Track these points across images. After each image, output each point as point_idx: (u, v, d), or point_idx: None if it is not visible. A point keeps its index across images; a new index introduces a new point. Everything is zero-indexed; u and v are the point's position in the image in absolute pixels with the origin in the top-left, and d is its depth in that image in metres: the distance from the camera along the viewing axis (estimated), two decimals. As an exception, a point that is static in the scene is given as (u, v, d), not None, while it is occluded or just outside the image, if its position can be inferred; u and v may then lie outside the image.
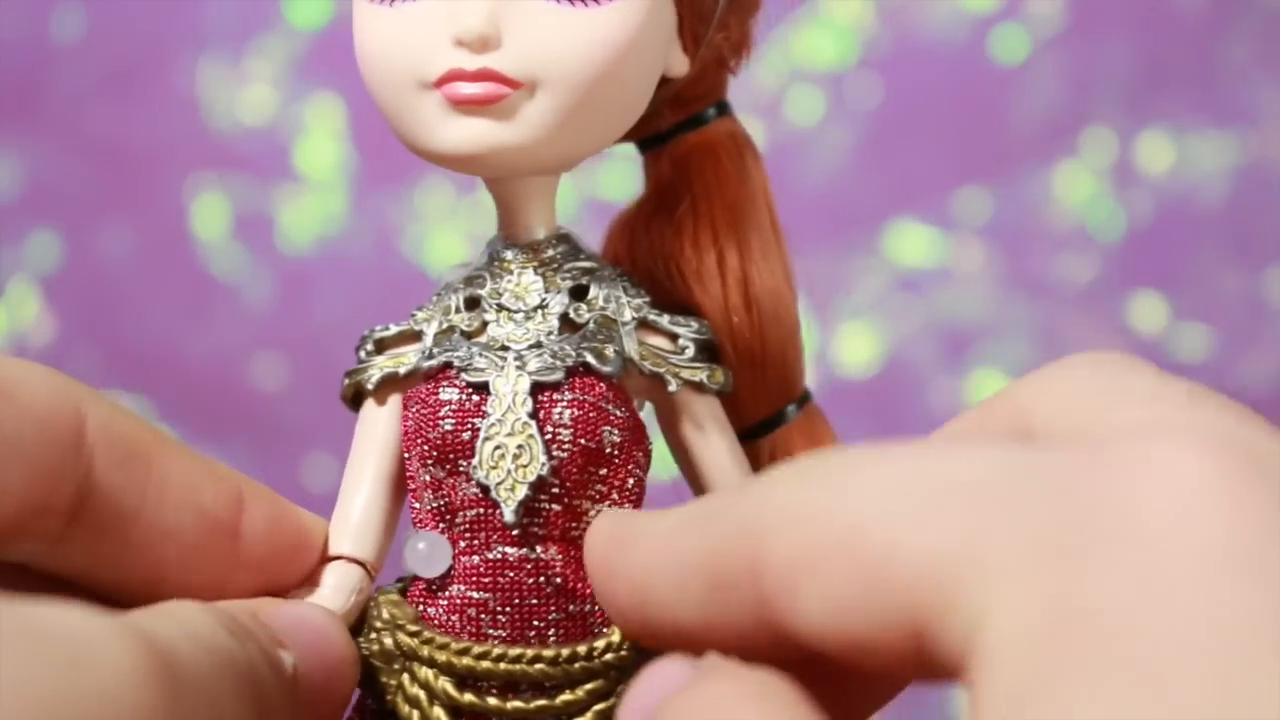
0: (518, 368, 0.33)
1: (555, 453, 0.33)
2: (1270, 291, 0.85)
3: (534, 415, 0.33)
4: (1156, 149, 0.86)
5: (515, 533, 0.33)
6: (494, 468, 0.33)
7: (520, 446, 0.33)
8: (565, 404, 0.33)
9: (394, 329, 0.36)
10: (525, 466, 0.33)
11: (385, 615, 0.34)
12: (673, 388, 0.34)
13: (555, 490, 0.33)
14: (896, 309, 0.86)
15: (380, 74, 0.33)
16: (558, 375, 0.33)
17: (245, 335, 0.91)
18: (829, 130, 0.85)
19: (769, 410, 0.36)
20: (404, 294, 0.92)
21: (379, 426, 0.35)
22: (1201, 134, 0.86)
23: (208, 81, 0.91)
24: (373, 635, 0.34)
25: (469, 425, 0.33)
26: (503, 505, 0.33)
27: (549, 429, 0.33)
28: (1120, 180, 0.86)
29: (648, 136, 0.36)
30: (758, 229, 0.36)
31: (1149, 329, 0.86)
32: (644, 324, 0.35)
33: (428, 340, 0.35)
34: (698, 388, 0.35)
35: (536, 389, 0.33)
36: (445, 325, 0.35)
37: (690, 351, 0.35)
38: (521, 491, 0.33)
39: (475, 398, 0.34)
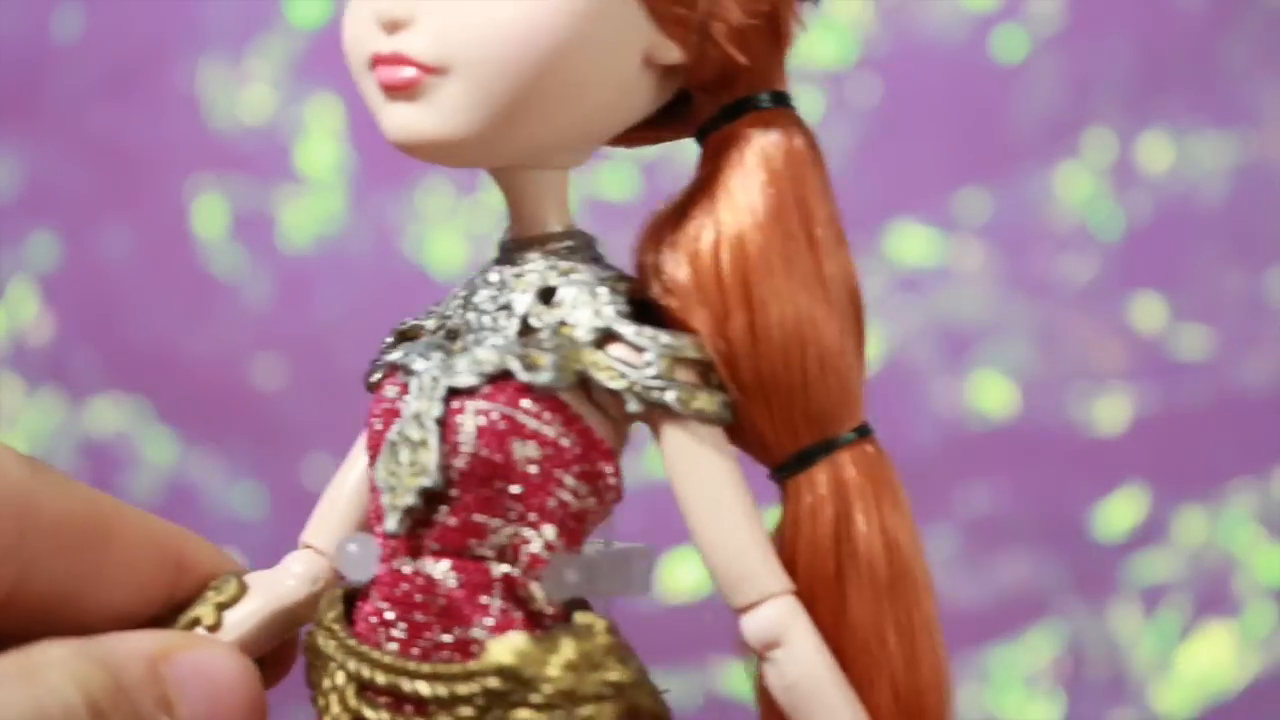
0: (441, 369, 0.31)
1: (453, 463, 0.30)
2: (1270, 291, 0.85)
3: (440, 421, 0.31)
4: (1156, 149, 0.86)
5: (408, 544, 0.31)
6: (391, 473, 0.31)
7: (415, 453, 0.31)
8: (473, 412, 0.31)
9: (411, 321, 0.34)
10: (416, 475, 0.31)
11: (323, 613, 0.33)
12: (630, 407, 0.30)
13: (454, 504, 0.31)
14: (896, 309, 0.86)
15: (348, 60, 0.32)
16: (472, 380, 0.31)
17: (245, 335, 0.91)
18: (829, 130, 0.85)
19: (794, 447, 0.32)
20: (404, 294, 0.92)
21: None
22: (1201, 134, 0.86)
23: (208, 81, 0.91)
24: (311, 631, 0.33)
25: (391, 425, 0.32)
26: (387, 514, 0.31)
27: (452, 437, 0.30)
28: (1120, 180, 0.86)
29: (703, 127, 0.33)
30: (786, 237, 0.31)
31: (1149, 329, 0.86)
32: (608, 335, 0.31)
33: (425, 334, 0.33)
34: (667, 411, 0.31)
35: (451, 393, 0.31)
36: (441, 320, 0.33)
37: (656, 368, 0.31)
38: (406, 500, 0.31)
39: (406, 397, 0.32)
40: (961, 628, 0.85)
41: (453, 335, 0.33)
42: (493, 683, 0.30)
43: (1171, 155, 0.86)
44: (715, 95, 0.33)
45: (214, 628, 0.34)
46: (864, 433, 0.32)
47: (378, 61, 0.31)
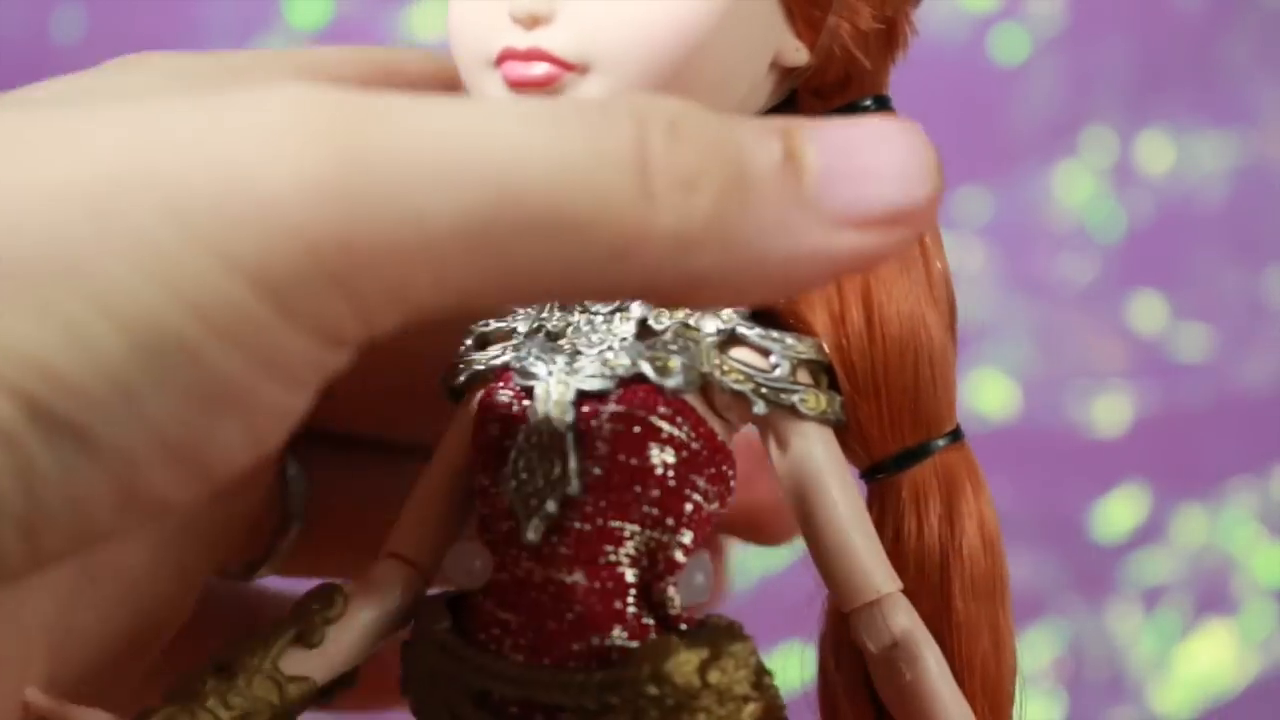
0: (567, 373, 0.30)
1: (590, 469, 0.30)
2: (1270, 291, 0.85)
3: (573, 426, 0.30)
4: (1156, 149, 0.86)
5: (540, 552, 0.30)
6: (523, 480, 0.30)
7: (553, 459, 0.30)
8: (608, 416, 0.30)
9: (494, 324, 0.33)
10: (555, 481, 0.30)
11: (427, 624, 0.31)
12: (758, 409, 0.30)
13: (588, 510, 0.30)
14: (896, 309, 0.86)
15: (458, 52, 0.31)
16: (605, 384, 0.30)
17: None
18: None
19: (897, 447, 0.32)
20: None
21: (457, 425, 0.33)
22: (1201, 134, 0.86)
23: (208, 82, 0.91)
24: (412, 643, 0.32)
25: (512, 431, 0.31)
26: (524, 522, 0.30)
27: (589, 443, 0.30)
28: (1120, 180, 0.86)
29: None
30: None
31: (1149, 329, 0.86)
32: (732, 337, 0.31)
33: (517, 339, 0.32)
34: (791, 412, 0.31)
35: (581, 398, 0.30)
36: (536, 323, 0.32)
37: (782, 370, 0.31)
38: (547, 508, 0.30)
39: (526, 402, 0.31)
40: (961, 628, 0.85)
41: (553, 338, 0.32)
42: (650, 690, 0.29)
43: (1172, 155, 0.86)
44: (827, 100, 0.32)
45: (317, 644, 0.31)
46: (959, 435, 0.33)
47: (509, 57, 0.30)
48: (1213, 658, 0.84)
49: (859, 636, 0.31)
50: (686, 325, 0.31)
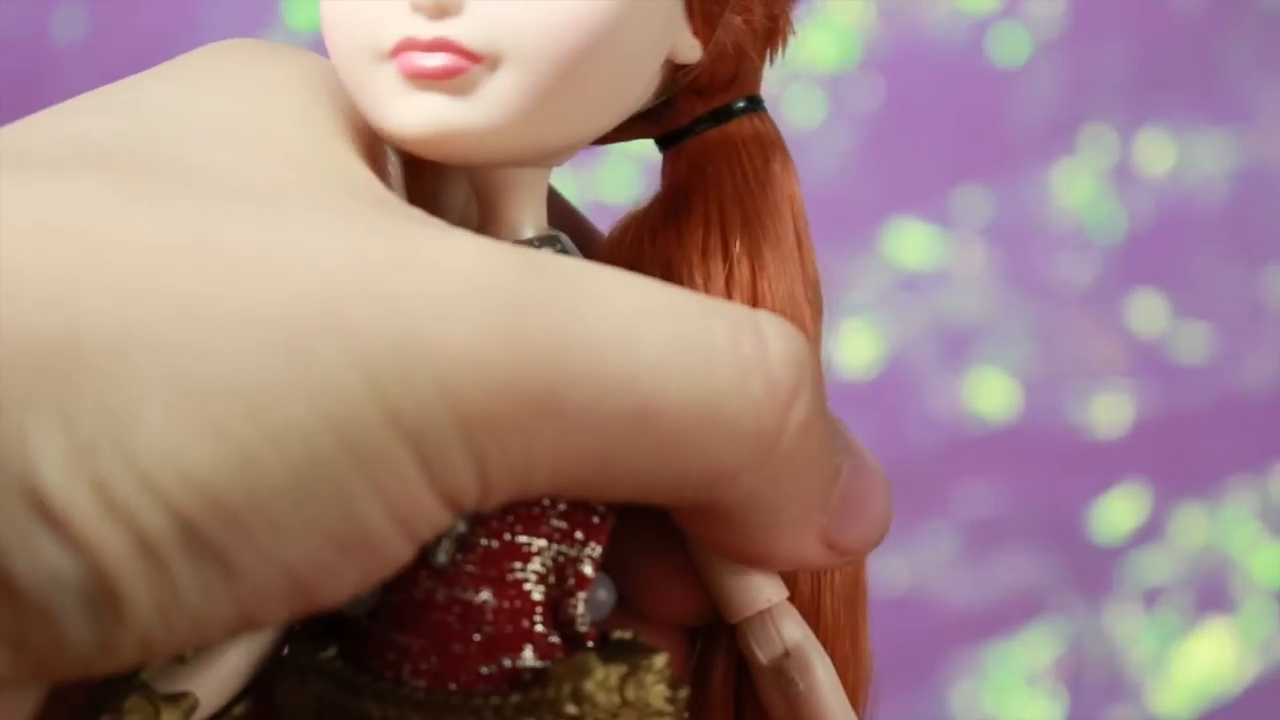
0: None
1: None
2: (1270, 291, 0.85)
3: None
4: (1157, 149, 0.86)
5: (444, 571, 0.29)
6: None
7: None
8: None
9: None
10: None
11: (307, 655, 0.30)
12: None
13: (495, 525, 0.29)
14: (896, 309, 0.86)
15: (338, 44, 0.30)
16: None
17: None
18: (830, 131, 0.85)
19: None
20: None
21: None
22: (1201, 134, 0.86)
23: (208, 82, 0.91)
24: (289, 672, 0.30)
25: None
26: (431, 543, 0.28)
27: None
28: (1120, 180, 0.86)
29: (669, 132, 0.32)
30: (776, 241, 0.31)
31: (1149, 329, 0.86)
32: None
33: None
34: None
35: None
36: None
37: None
38: (458, 527, 0.28)
39: None
40: (961, 627, 0.85)
41: None
42: (569, 709, 0.28)
43: (1172, 155, 0.86)
44: (709, 99, 0.32)
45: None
46: None
47: (410, 47, 0.28)
48: (1212, 658, 0.84)
49: (748, 647, 0.31)
50: None
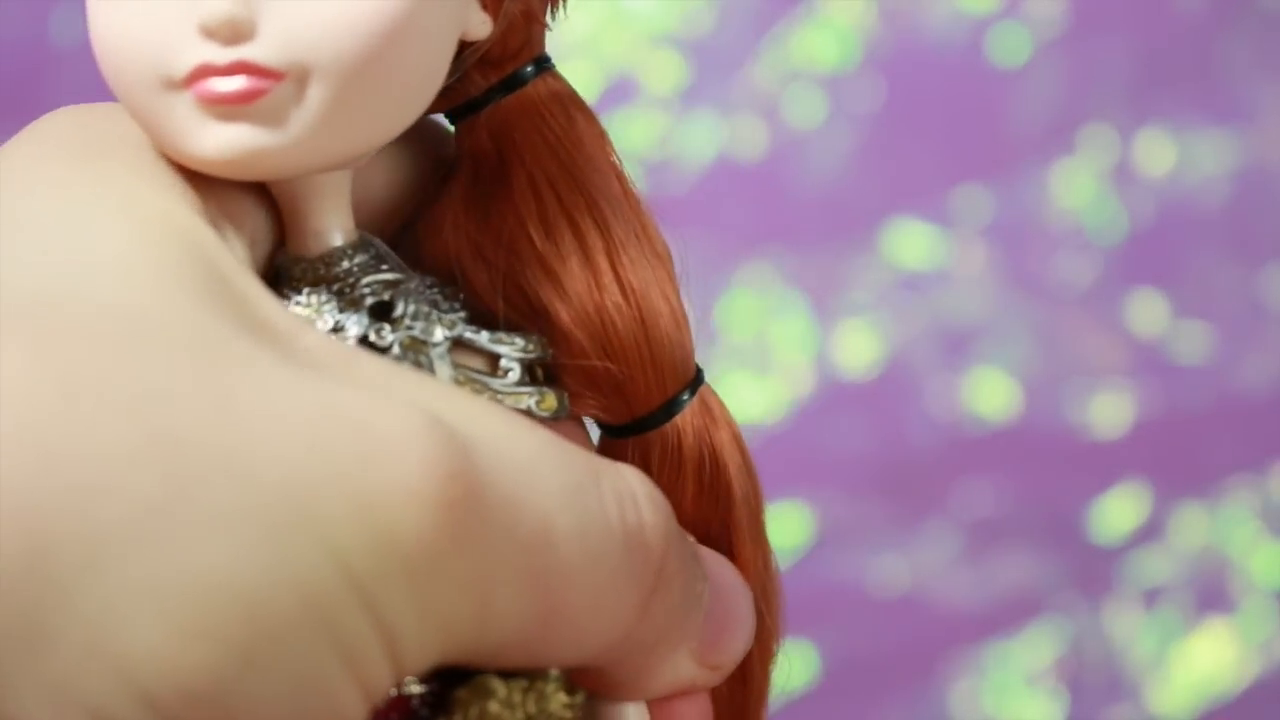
0: None
1: None
2: (1270, 291, 0.85)
3: None
4: (1157, 149, 0.86)
5: None
6: None
7: None
8: None
9: None
10: None
11: None
12: None
13: None
14: (896, 309, 0.86)
15: (120, 71, 0.28)
16: None
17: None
18: (830, 131, 0.85)
19: (662, 398, 0.32)
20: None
21: None
22: (1202, 134, 0.86)
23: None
24: None
25: None
26: None
27: None
28: (1121, 180, 0.86)
29: (460, 104, 0.31)
30: (611, 198, 0.31)
31: (1149, 329, 0.86)
32: (459, 344, 0.30)
33: None
34: (528, 415, 0.29)
35: None
36: None
37: (514, 374, 0.30)
38: None
39: None
40: (961, 627, 0.85)
41: None
42: None
43: (1172, 155, 0.86)
44: (500, 68, 0.31)
45: None
46: (703, 376, 0.33)
47: (209, 73, 0.27)
48: (1212, 658, 0.84)
49: None
50: (413, 338, 0.30)
